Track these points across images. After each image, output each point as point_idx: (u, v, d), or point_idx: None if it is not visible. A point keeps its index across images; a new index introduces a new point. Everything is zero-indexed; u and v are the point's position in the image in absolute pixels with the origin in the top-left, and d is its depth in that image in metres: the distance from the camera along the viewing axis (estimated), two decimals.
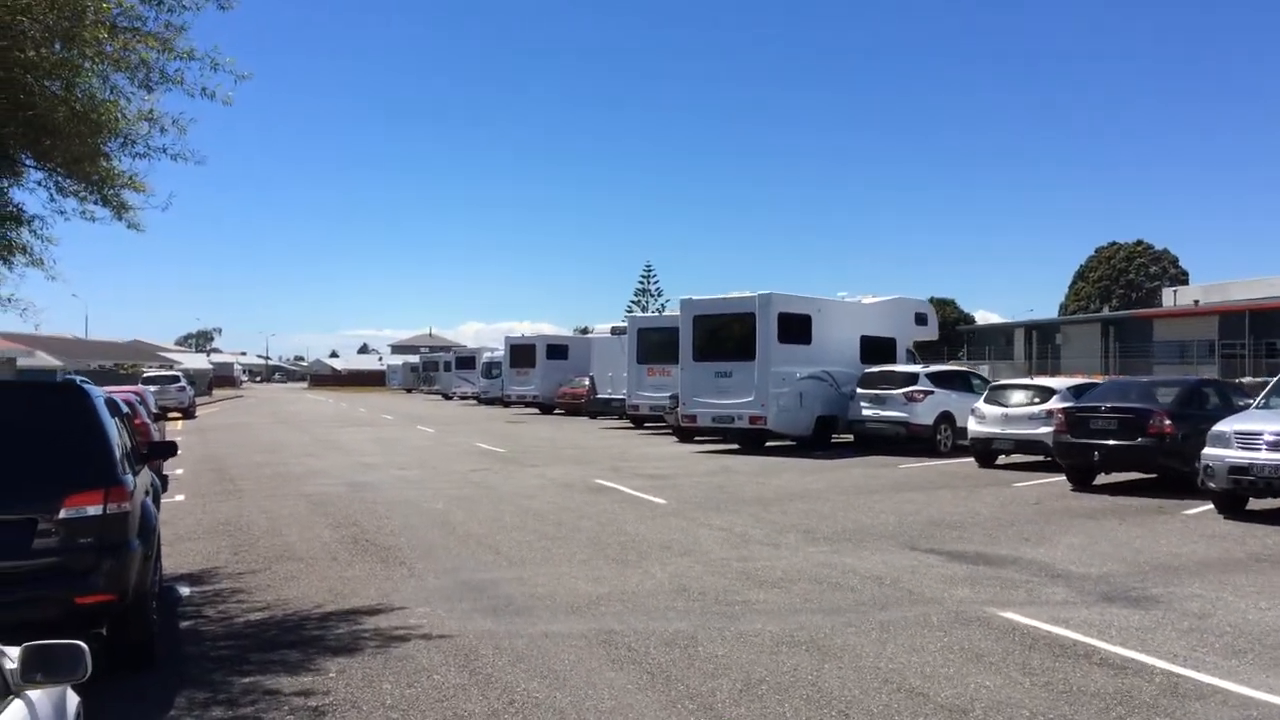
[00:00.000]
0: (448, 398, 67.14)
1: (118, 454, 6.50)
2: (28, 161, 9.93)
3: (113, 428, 6.69)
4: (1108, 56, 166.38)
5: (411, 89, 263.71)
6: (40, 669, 3.19)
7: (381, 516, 13.54)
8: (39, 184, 10.17)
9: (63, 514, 6.06)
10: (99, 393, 6.94)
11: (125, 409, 9.19)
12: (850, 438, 24.18)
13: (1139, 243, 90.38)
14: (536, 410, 45.49)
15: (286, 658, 7.01)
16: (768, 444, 24.13)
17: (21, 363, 43.81)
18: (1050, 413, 17.85)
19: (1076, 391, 18.47)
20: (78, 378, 7.21)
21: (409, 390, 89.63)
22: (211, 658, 7.07)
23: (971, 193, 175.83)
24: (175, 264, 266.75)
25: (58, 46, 8.12)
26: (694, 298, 24.11)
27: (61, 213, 10.39)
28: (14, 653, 3.25)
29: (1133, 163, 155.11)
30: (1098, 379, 21.73)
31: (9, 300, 10.91)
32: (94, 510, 6.12)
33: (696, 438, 26.32)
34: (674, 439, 27.51)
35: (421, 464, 21.03)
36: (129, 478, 6.52)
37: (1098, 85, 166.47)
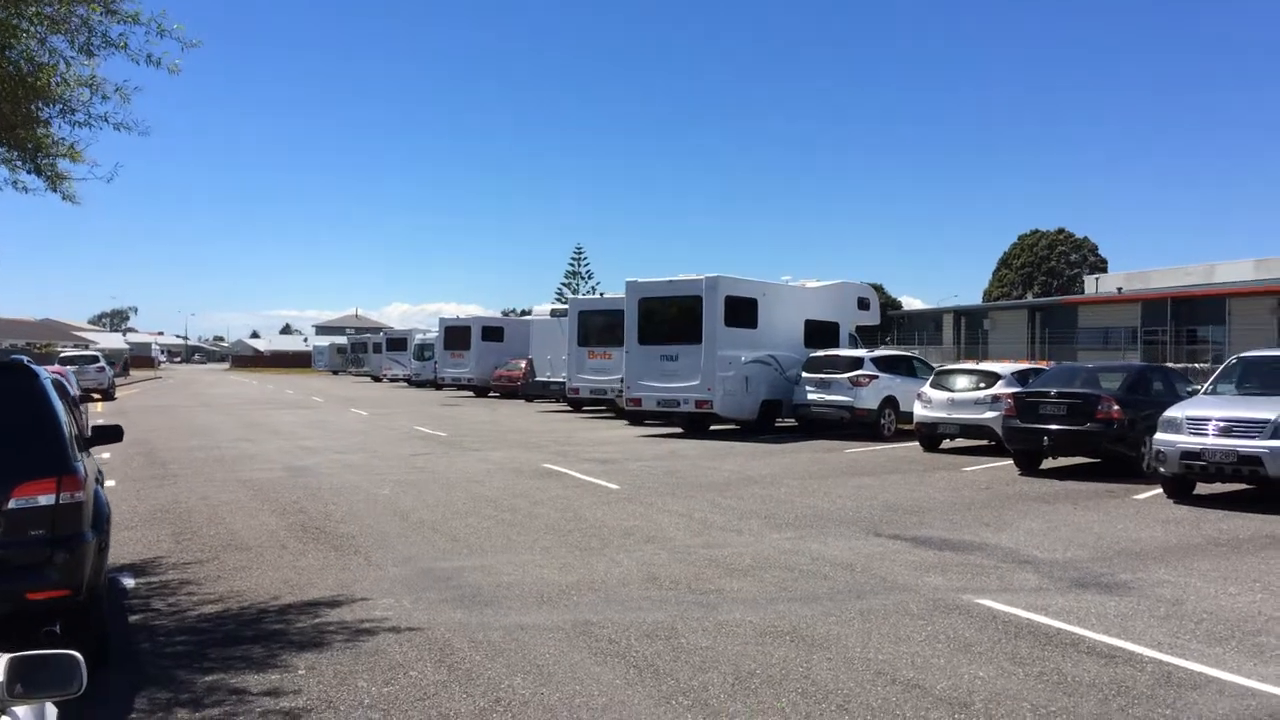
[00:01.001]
0: (377, 380, 66.02)
1: (69, 439, 6.06)
2: None
3: (62, 411, 6.24)
4: (1030, 45, 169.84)
5: (338, 70, 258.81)
6: (29, 683, 2.84)
7: (327, 502, 13.10)
8: None
9: (12, 504, 5.63)
10: (46, 374, 6.48)
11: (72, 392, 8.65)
12: (793, 422, 24.21)
13: (1060, 230, 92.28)
14: (471, 393, 44.92)
15: (249, 653, 6.64)
16: (712, 428, 24.05)
17: None
18: (996, 398, 18.02)
19: (1021, 377, 18.67)
20: (23, 357, 6.73)
21: (335, 372, 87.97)
22: (168, 654, 6.67)
23: (896, 179, 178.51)
24: (88, 238, 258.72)
25: None
26: (639, 280, 23.85)
27: None
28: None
29: (1054, 151, 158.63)
30: (1040, 364, 22.04)
31: None
32: (46, 500, 5.69)
33: (646, 421, 26.07)
34: (616, 423, 27.29)
35: (361, 448, 20.51)
36: (80, 464, 6.09)
37: (1019, 74, 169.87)
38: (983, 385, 18.72)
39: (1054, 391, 15.74)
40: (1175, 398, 15.02)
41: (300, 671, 6.25)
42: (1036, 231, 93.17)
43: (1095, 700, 5.70)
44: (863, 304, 27.62)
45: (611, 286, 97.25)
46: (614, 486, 14.54)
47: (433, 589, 8.42)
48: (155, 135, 10.73)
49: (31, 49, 8.36)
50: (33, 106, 8.68)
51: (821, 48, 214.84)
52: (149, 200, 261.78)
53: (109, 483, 14.37)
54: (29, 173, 9.68)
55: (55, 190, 9.89)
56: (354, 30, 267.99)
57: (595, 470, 16.41)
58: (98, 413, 30.99)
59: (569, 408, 33.04)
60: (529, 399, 37.61)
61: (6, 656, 2.87)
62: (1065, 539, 10.66)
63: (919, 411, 19.41)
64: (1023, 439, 15.85)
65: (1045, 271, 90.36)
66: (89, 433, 8.09)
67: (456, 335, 45.04)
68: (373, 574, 9.02)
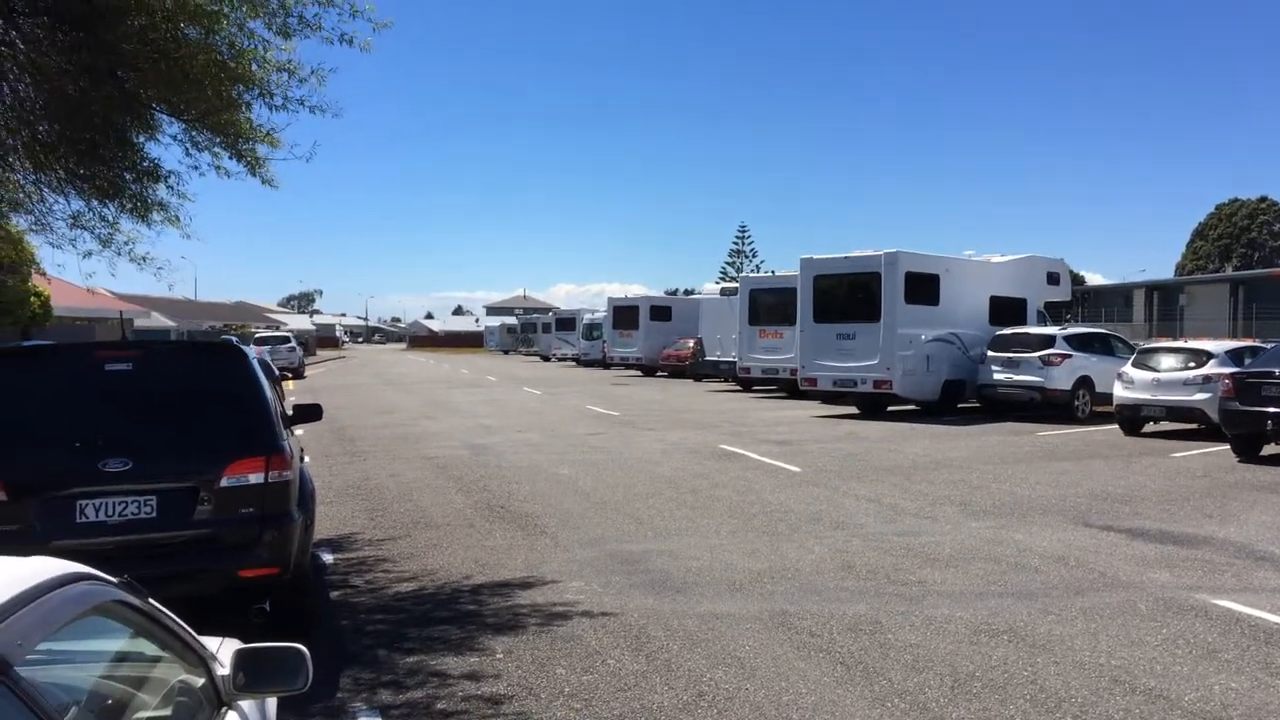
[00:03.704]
0: (546, 359, 67.10)
1: (276, 418, 6.13)
2: (163, 115, 9.63)
3: (269, 390, 6.32)
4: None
5: (509, 61, 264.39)
6: (255, 676, 2.73)
7: (509, 481, 13.18)
8: (174, 139, 9.87)
9: (224, 482, 5.72)
10: (254, 354, 6.59)
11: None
12: (976, 403, 23.15)
13: (1263, 199, 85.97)
14: (639, 372, 45.03)
15: (447, 635, 6.61)
16: (890, 409, 23.25)
17: (138, 323, 44.88)
18: (1208, 378, 16.69)
19: (1235, 356, 17.22)
20: (233, 337, 6.87)
21: (506, 351, 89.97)
22: (368, 633, 6.70)
23: (1080, 150, 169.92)
24: (276, 224, 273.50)
25: None
26: (814, 256, 23.21)
27: (196, 168, 10.08)
28: (223, 654, 2.80)
29: (1255, 114, 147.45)
30: (1248, 341, 20.35)
31: (145, 260, 10.68)
32: (256, 479, 5.76)
33: (820, 400, 25.31)
34: (788, 402, 26.75)
35: (538, 427, 20.70)
36: (287, 443, 6.15)
37: (1213, 33, 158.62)
38: (1193, 365, 17.36)
39: (1278, 371, 14.40)
40: None
41: (498, 655, 6.16)
42: (1236, 200, 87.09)
43: None
44: (1052, 279, 26.11)
45: (775, 265, 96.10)
46: (795, 469, 14.13)
47: (620, 572, 8.26)
48: (334, 121, 10.94)
49: (232, 34, 8.55)
50: (234, 91, 8.89)
51: (1003, 3, 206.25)
52: (331, 186, 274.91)
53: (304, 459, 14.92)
54: (230, 158, 9.95)
55: (255, 175, 10.14)
56: (523, 26, 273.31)
57: (773, 452, 16.02)
58: (290, 390, 32.49)
59: (738, 387, 32.66)
60: (697, 378, 37.45)
61: (236, 648, 2.77)
62: None
63: (1120, 392, 18.17)
64: (1243, 423, 14.58)
65: (1245, 243, 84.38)
66: (290, 411, 8.26)
67: (625, 315, 45.23)
68: (560, 555, 8.93)
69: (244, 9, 8.38)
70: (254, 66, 8.85)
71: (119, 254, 10.55)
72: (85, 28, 8.08)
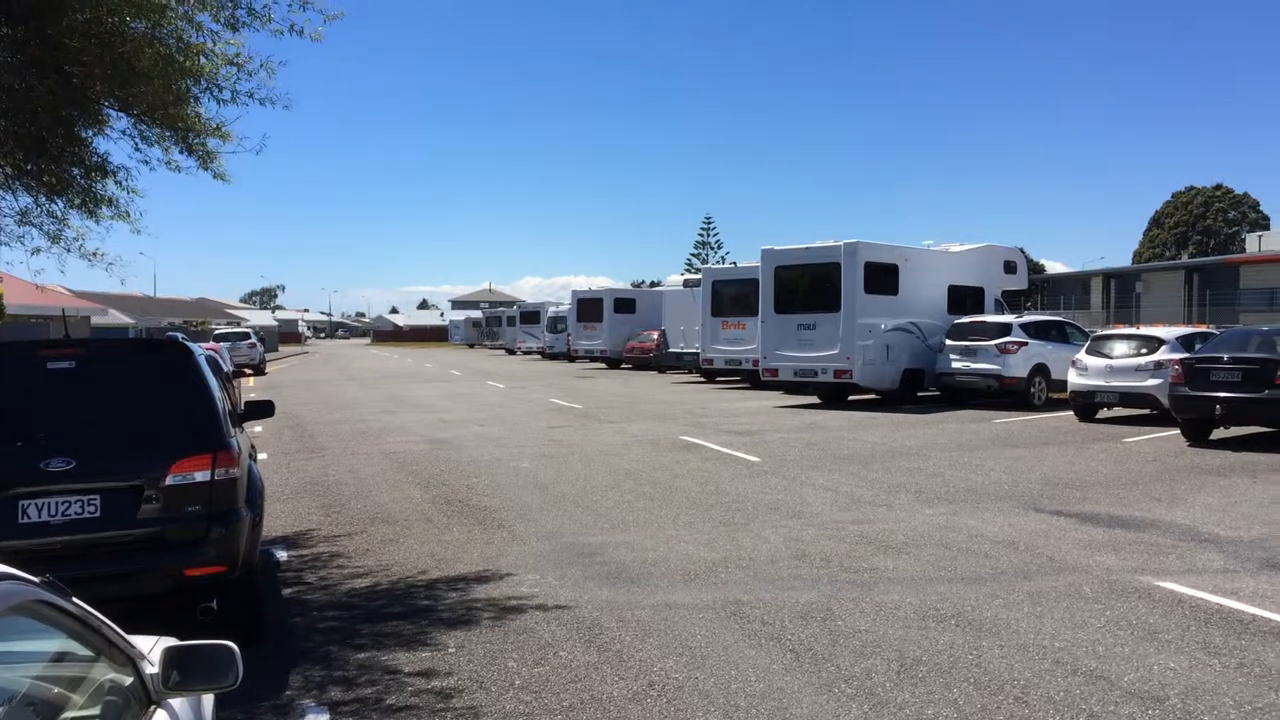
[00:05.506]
0: (511, 353, 66.92)
1: (223, 415, 6.09)
2: (111, 109, 9.52)
3: (216, 387, 6.28)
4: None
5: (472, 53, 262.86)
6: (186, 674, 2.73)
7: (469, 475, 13.16)
8: (123, 133, 9.76)
9: (169, 480, 5.67)
10: (200, 350, 6.54)
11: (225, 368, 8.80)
12: (936, 391, 23.38)
13: (1218, 187, 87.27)
14: (604, 365, 45.03)
15: (400, 630, 6.61)
16: (850, 398, 23.43)
17: (96, 320, 44.19)
18: (1159, 364, 16.98)
19: (1186, 342, 17.53)
20: (179, 335, 6.82)
21: (471, 345, 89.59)
22: (320, 629, 6.68)
23: (1038, 137, 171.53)
24: (238, 220, 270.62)
25: None
26: (775, 248, 23.32)
27: (146, 163, 9.97)
28: (156, 654, 2.80)
29: (1211, 102, 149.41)
30: (1202, 328, 20.70)
31: (95, 255, 10.56)
32: (201, 476, 5.72)
33: (782, 391, 25.45)
34: (751, 393, 26.89)
35: (499, 420, 20.67)
36: (234, 440, 6.11)
37: (1174, 23, 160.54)
38: (1145, 351, 17.64)
39: (1227, 357, 14.67)
40: None
41: (450, 650, 6.17)
42: (1192, 188, 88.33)
43: None
44: (1009, 267, 26.40)
45: (740, 256, 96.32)
46: (754, 459, 14.22)
47: (577, 565, 8.28)
48: (296, 120, 10.89)
49: (180, 28, 8.47)
50: (183, 85, 8.80)
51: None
52: (293, 181, 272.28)
53: (261, 456, 14.79)
54: (181, 152, 9.85)
55: (206, 169, 10.06)
56: (488, 14, 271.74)
57: (734, 442, 16.11)
58: (249, 387, 32.21)
59: (702, 378, 32.77)
60: (662, 370, 37.50)
61: (163, 647, 2.77)
62: (1248, 515, 9.88)
63: (1074, 379, 18.43)
64: (1192, 408, 14.85)
65: (1200, 230, 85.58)
66: (242, 408, 8.21)
67: (589, 307, 45.18)
68: (517, 549, 8.95)
69: (191, 2, 8.30)
70: (202, 60, 8.77)
71: (68, 250, 10.44)
72: (29, 21, 7.98)
